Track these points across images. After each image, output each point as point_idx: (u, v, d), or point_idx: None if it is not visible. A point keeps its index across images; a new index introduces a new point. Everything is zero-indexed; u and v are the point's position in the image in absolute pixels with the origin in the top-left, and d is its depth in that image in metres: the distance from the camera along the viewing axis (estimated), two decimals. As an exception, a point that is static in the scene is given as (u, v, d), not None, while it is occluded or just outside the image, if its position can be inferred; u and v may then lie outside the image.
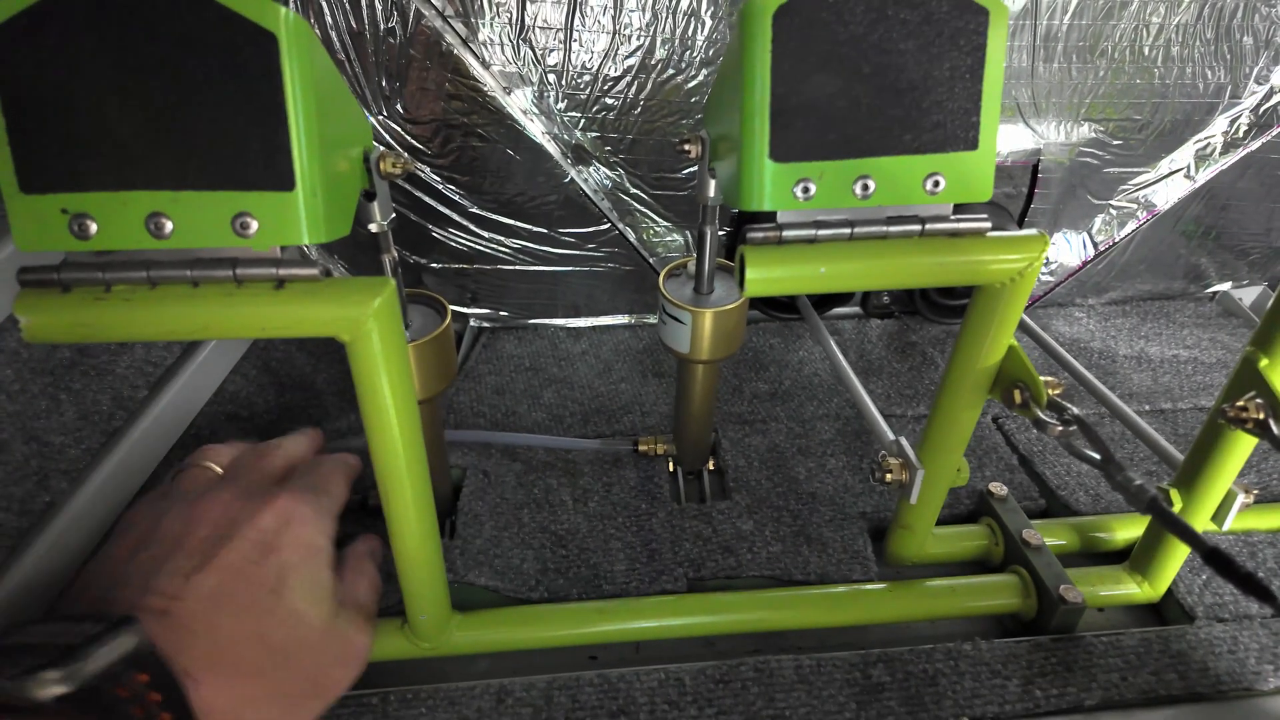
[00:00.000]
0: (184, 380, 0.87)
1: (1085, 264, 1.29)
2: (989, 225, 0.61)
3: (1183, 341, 1.28)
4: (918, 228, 0.60)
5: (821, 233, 0.60)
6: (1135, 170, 1.19)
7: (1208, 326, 1.33)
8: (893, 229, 0.60)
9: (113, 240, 0.51)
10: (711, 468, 1.00)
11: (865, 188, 0.58)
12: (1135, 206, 1.23)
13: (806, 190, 0.58)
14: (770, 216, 0.63)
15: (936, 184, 0.59)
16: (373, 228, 0.69)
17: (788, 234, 0.60)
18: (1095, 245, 1.27)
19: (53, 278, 0.52)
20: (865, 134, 0.58)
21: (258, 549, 0.59)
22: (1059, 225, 1.23)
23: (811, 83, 0.57)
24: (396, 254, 0.69)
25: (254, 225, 0.51)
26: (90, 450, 0.77)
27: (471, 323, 1.27)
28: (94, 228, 0.51)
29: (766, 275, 0.59)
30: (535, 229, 1.14)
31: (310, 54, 0.50)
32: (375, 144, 0.66)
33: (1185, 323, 1.34)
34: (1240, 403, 0.65)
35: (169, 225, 0.51)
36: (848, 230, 0.60)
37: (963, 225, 0.61)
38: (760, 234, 0.60)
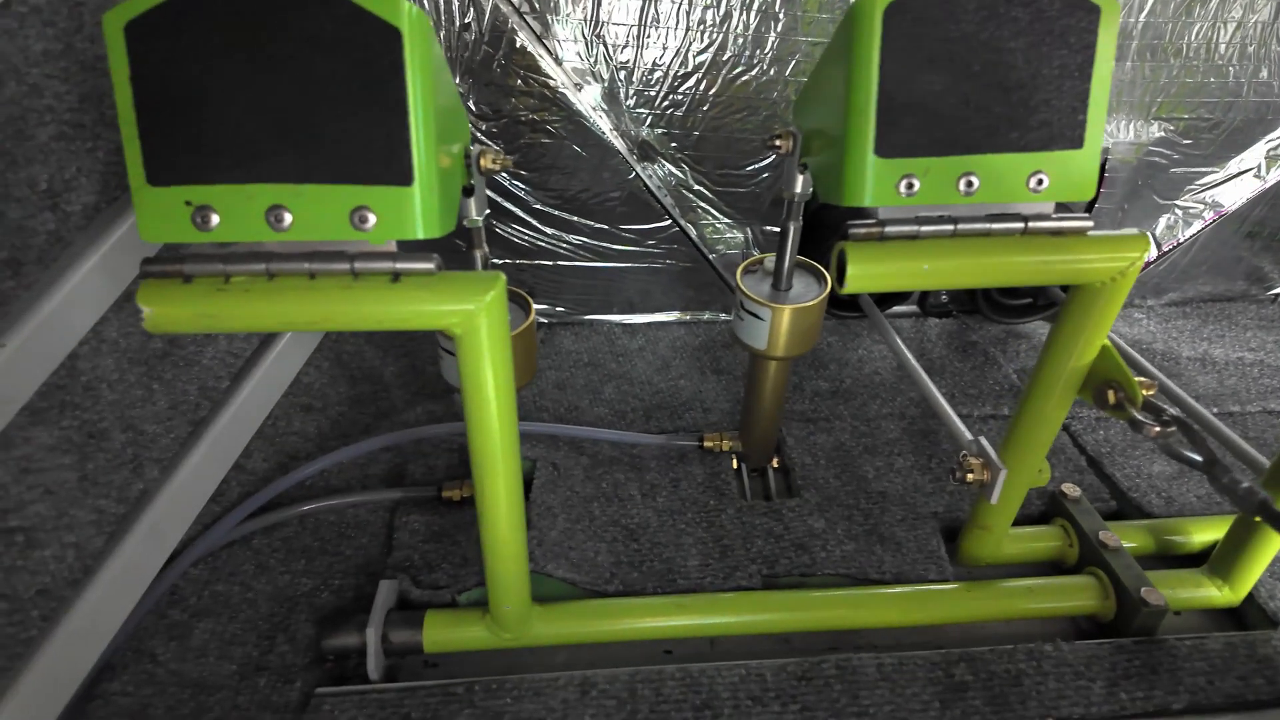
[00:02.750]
0: (262, 372, 0.89)
1: (1148, 265, 1.27)
2: (1091, 224, 0.61)
3: (1247, 344, 1.27)
4: (1020, 225, 0.60)
5: (925, 229, 0.60)
6: (1203, 170, 1.17)
7: (1272, 329, 1.31)
8: (995, 226, 0.60)
9: (233, 232, 0.52)
10: (776, 465, 1.00)
11: (969, 185, 0.58)
12: (1202, 207, 1.22)
13: (910, 186, 0.58)
14: (859, 213, 0.63)
15: (1040, 182, 0.59)
16: (467, 223, 0.69)
17: (890, 230, 0.60)
18: (1158, 245, 1.25)
19: (176, 269, 0.53)
20: (971, 131, 0.58)
21: None
22: (1123, 225, 1.22)
23: (919, 80, 0.57)
24: (487, 249, 0.70)
25: (372, 219, 0.52)
26: (179, 439, 0.78)
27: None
28: (216, 220, 0.52)
29: (869, 271, 0.59)
30: (597, 225, 1.14)
31: (430, 49, 0.51)
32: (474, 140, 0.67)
33: (1248, 325, 1.32)
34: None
35: (289, 218, 0.52)
36: (950, 227, 0.60)
37: (1066, 224, 0.60)
38: (863, 230, 0.60)
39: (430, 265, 0.54)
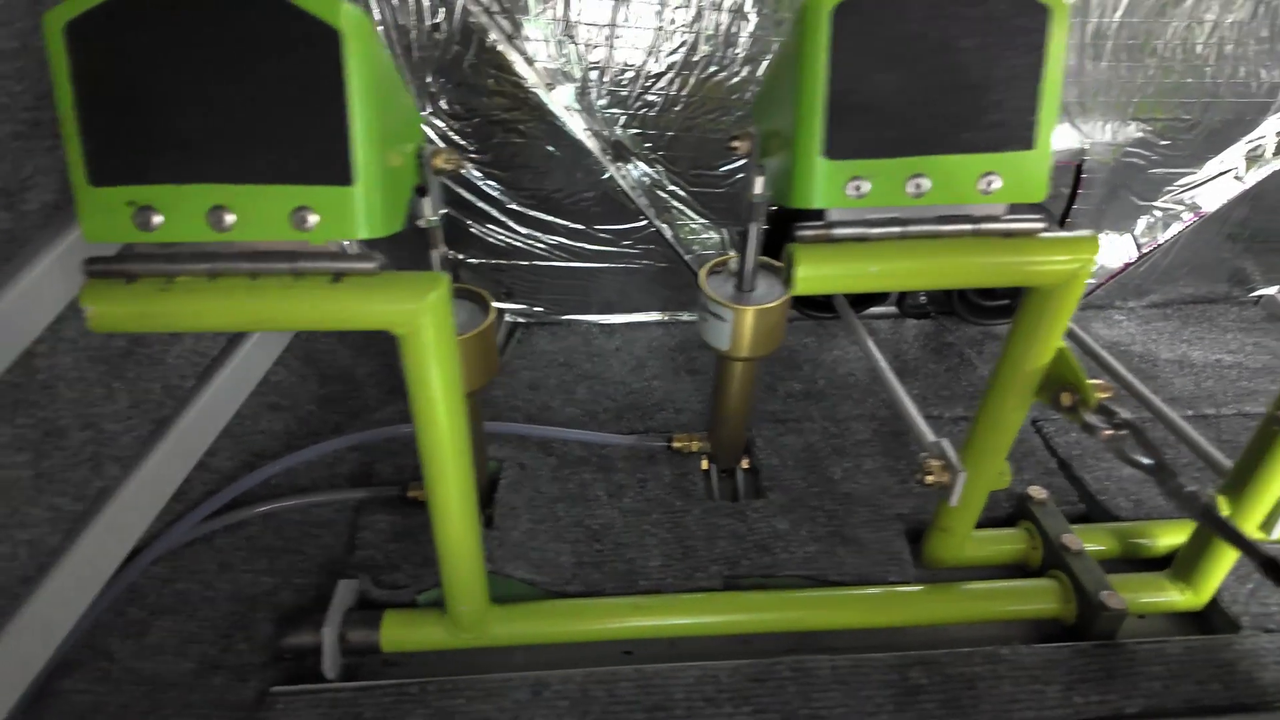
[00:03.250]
0: (229, 370, 0.89)
1: (1127, 266, 1.27)
2: (1043, 225, 0.61)
3: (1226, 346, 1.26)
4: (970, 227, 0.60)
5: (873, 231, 0.59)
6: (1182, 171, 1.17)
7: (1251, 331, 1.31)
8: (945, 228, 0.60)
9: (176, 232, 0.52)
10: (745, 466, 1.00)
11: (919, 186, 0.58)
12: (1181, 208, 1.21)
13: (859, 188, 0.58)
14: (818, 214, 0.63)
15: (991, 183, 0.58)
16: (423, 223, 0.69)
17: (838, 232, 0.59)
18: (1139, 247, 1.25)
19: (119, 268, 0.53)
20: (921, 132, 0.58)
21: None
22: (1102, 226, 1.22)
23: (868, 80, 0.57)
24: (445, 249, 0.70)
25: (313, 219, 0.52)
26: (140, 438, 0.78)
27: (506, 318, 1.28)
28: (158, 220, 0.52)
29: (817, 273, 0.59)
30: (573, 225, 1.14)
31: (371, 50, 0.51)
32: (426, 141, 0.66)
33: (1228, 327, 1.32)
34: (1295, 410, 0.64)
35: (230, 218, 0.52)
36: (899, 229, 0.59)
37: (1015, 225, 0.60)
38: (811, 232, 0.59)
39: (372, 265, 0.54)
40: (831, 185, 0.57)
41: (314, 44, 0.50)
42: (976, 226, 0.60)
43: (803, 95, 0.56)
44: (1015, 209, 0.62)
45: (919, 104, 0.57)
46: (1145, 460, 0.61)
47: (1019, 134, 0.58)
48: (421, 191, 0.66)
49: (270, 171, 0.52)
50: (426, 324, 0.55)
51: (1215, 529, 0.57)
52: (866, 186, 0.58)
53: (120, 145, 0.51)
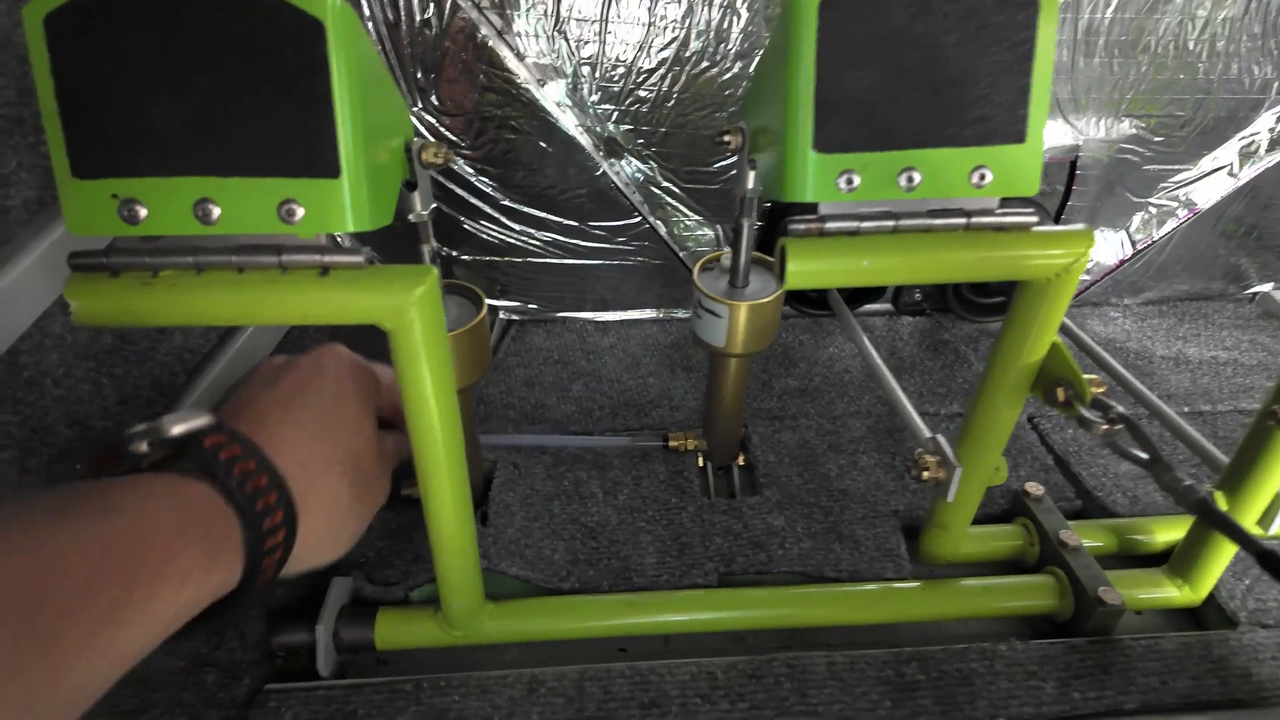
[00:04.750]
0: (221, 367, 0.88)
1: (1122, 263, 1.27)
2: (1035, 219, 0.60)
3: (1222, 343, 1.26)
4: (962, 221, 0.59)
5: (864, 225, 0.59)
6: (1176, 167, 1.17)
7: (1247, 328, 1.31)
8: (937, 222, 0.59)
9: (161, 225, 0.52)
10: (741, 463, 0.99)
11: (910, 180, 0.58)
12: (1175, 204, 1.21)
13: (850, 182, 0.57)
14: (811, 208, 0.62)
15: (983, 177, 0.58)
16: (412, 218, 0.69)
17: (830, 226, 0.59)
18: (1134, 244, 1.25)
19: (102, 262, 0.53)
20: (910, 126, 0.57)
21: (313, 369, 0.58)
22: (1096, 223, 1.22)
23: (856, 75, 0.57)
24: (435, 244, 0.70)
25: (300, 212, 0.51)
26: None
27: (501, 315, 1.27)
28: (143, 213, 0.51)
29: (808, 267, 0.59)
30: (566, 222, 1.14)
31: (356, 42, 0.51)
32: (416, 135, 0.66)
33: (1224, 324, 1.31)
34: (1291, 404, 0.64)
35: (216, 211, 0.52)
36: (891, 223, 0.59)
37: (1008, 219, 0.60)
38: (802, 225, 0.59)
39: (359, 259, 0.53)
40: (822, 179, 0.57)
41: (298, 35, 0.49)
42: (969, 220, 0.59)
43: (792, 90, 0.56)
44: (1007, 203, 0.62)
45: (908, 97, 0.57)
46: (1141, 454, 0.61)
47: (1009, 128, 0.58)
48: (410, 186, 0.66)
49: (256, 164, 0.51)
50: (415, 318, 0.54)
51: (1212, 523, 0.56)
52: (857, 180, 0.57)
53: (103, 137, 0.51)
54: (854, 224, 0.59)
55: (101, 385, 0.74)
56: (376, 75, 0.55)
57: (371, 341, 0.98)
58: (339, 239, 0.94)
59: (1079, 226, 0.61)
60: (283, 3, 0.49)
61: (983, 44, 0.55)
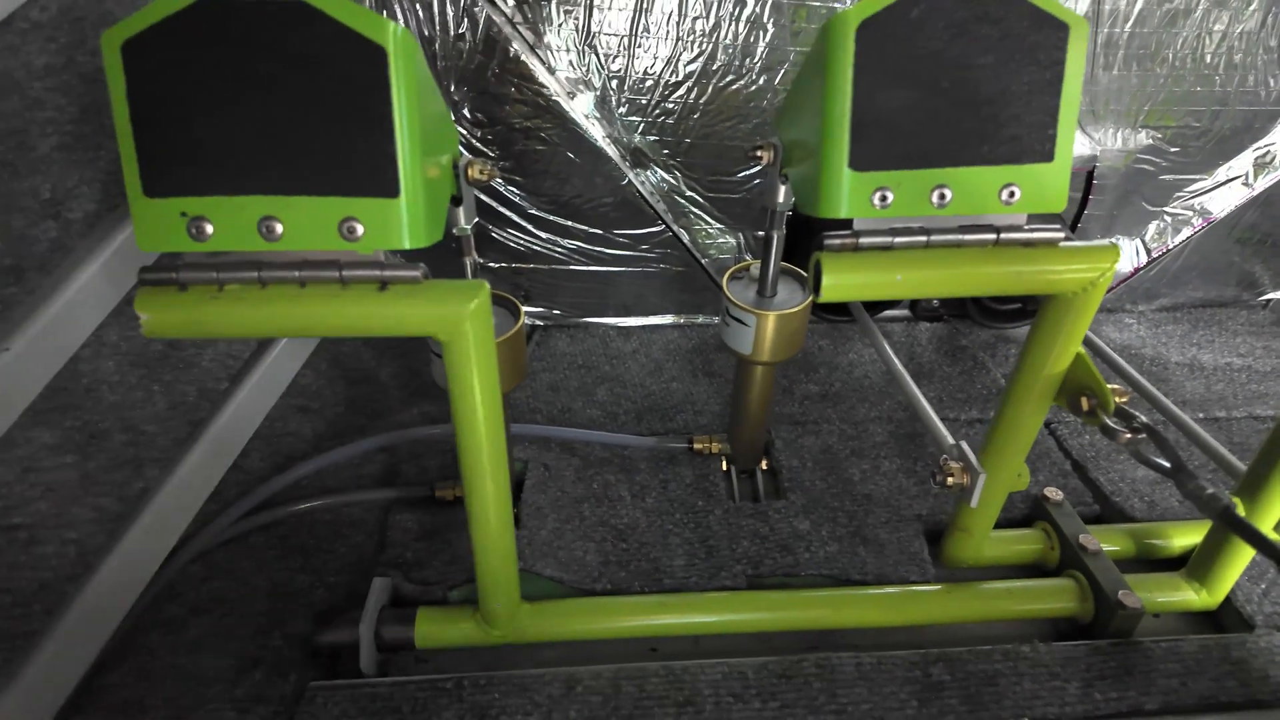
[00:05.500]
0: (260, 373, 0.91)
1: (1138, 270, 1.28)
2: (1063, 235, 0.62)
3: (1236, 349, 1.28)
4: (992, 236, 0.61)
5: (898, 240, 0.61)
6: (1192, 177, 1.18)
7: (1261, 334, 1.32)
8: (968, 237, 0.61)
9: (227, 241, 0.54)
10: (764, 467, 1.01)
11: (942, 197, 0.60)
12: (1191, 213, 1.23)
13: (884, 199, 0.59)
14: (838, 224, 0.64)
15: (1012, 194, 0.60)
16: (456, 231, 0.71)
17: (864, 241, 0.61)
18: (1149, 251, 1.26)
19: (171, 277, 0.55)
20: (943, 145, 0.60)
21: None
22: (1113, 232, 1.23)
23: (892, 95, 0.59)
24: (477, 256, 0.72)
25: (360, 229, 0.54)
26: (178, 440, 0.80)
27: (524, 320, 1.29)
28: (210, 230, 0.54)
29: (843, 281, 0.61)
30: (591, 230, 1.16)
31: (415, 66, 0.53)
32: (461, 151, 0.68)
33: (1238, 330, 1.33)
34: (1310, 413, 0.65)
35: (280, 228, 0.54)
36: (924, 238, 0.61)
37: (1037, 235, 0.62)
38: (838, 241, 0.61)
39: (416, 274, 0.56)
40: (857, 196, 0.59)
41: (361, 61, 0.52)
42: (999, 236, 0.61)
43: (829, 109, 0.58)
44: (1034, 218, 0.64)
45: (943, 117, 0.59)
46: (1164, 463, 0.63)
47: (1039, 147, 0.60)
48: (456, 201, 0.68)
49: (319, 184, 0.53)
50: (469, 330, 0.57)
51: (1235, 530, 0.58)
52: (891, 196, 0.59)
53: (174, 158, 0.53)
54: (888, 239, 0.61)
55: (152, 391, 0.77)
56: (432, 96, 0.58)
57: (400, 342, 1.00)
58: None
59: (1105, 242, 0.63)
60: (347, 29, 0.51)
61: (1016, 65, 0.57)
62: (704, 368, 1.20)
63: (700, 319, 1.30)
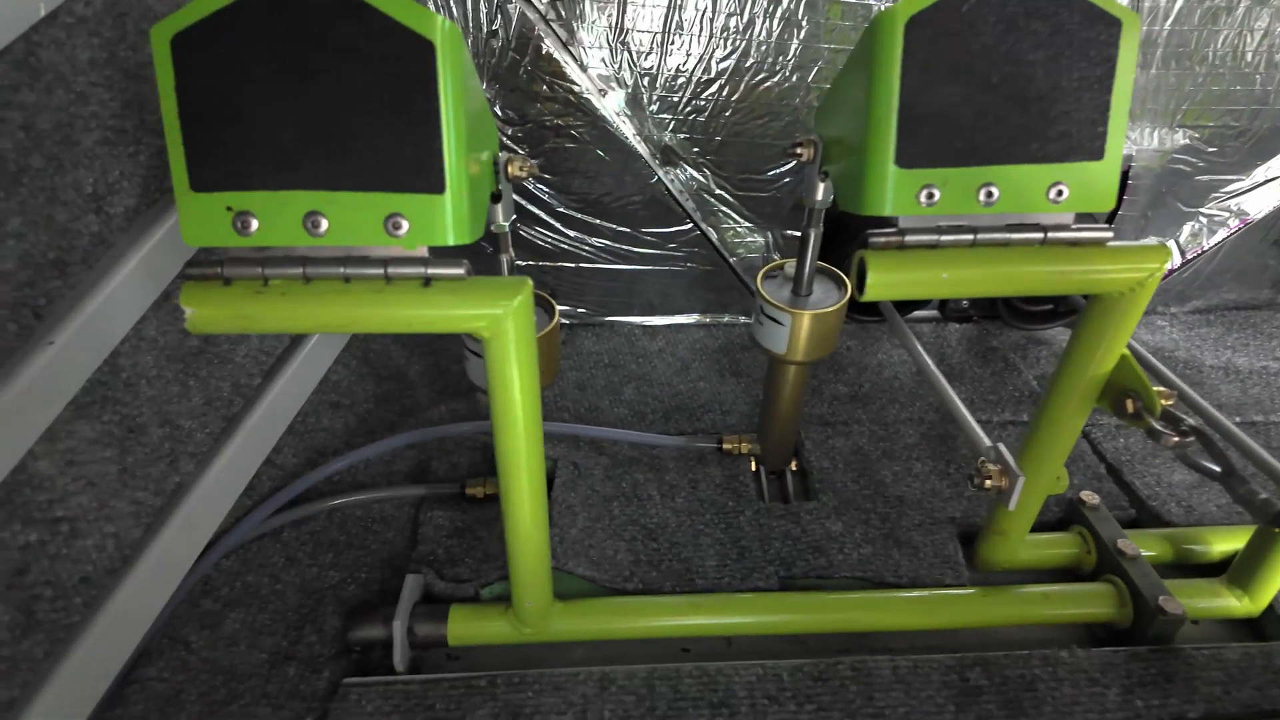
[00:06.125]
0: (293, 370, 0.91)
1: (1172, 272, 1.27)
2: (1111, 234, 0.61)
3: (1272, 353, 1.26)
4: (1040, 235, 0.61)
5: (944, 239, 0.60)
6: (1229, 178, 1.17)
7: (1297, 338, 1.30)
8: (1015, 236, 0.61)
9: (272, 236, 0.54)
10: (794, 468, 1.01)
11: (989, 195, 0.59)
12: (1227, 214, 1.21)
13: (931, 196, 0.59)
14: (876, 222, 0.64)
15: (1060, 193, 0.59)
16: (494, 228, 0.71)
17: (910, 239, 0.61)
18: (1183, 253, 1.24)
19: (217, 272, 0.55)
20: (991, 142, 0.59)
21: None
22: (1147, 233, 1.22)
23: (940, 91, 0.58)
24: (514, 253, 0.72)
25: (405, 226, 0.54)
26: (213, 434, 0.81)
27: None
28: (255, 225, 0.54)
29: (888, 279, 0.60)
30: (619, 228, 1.16)
31: (461, 62, 0.53)
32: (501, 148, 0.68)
33: (1273, 333, 1.31)
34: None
35: (325, 224, 0.54)
36: (970, 236, 0.60)
37: (1084, 235, 0.61)
38: (883, 239, 0.61)
39: (460, 271, 0.55)
40: (903, 193, 0.58)
41: (408, 56, 0.52)
42: (1046, 235, 0.61)
43: (875, 105, 0.57)
44: (1080, 217, 0.63)
45: (990, 114, 0.58)
46: (1213, 467, 0.62)
47: (1089, 144, 0.59)
48: (495, 197, 0.68)
49: (364, 179, 0.53)
50: (510, 327, 0.56)
51: (1286, 535, 0.57)
52: (937, 194, 0.59)
53: (221, 153, 0.53)
54: (934, 237, 0.60)
55: (189, 386, 0.77)
56: (475, 91, 0.57)
57: (429, 339, 1.00)
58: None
59: (1153, 241, 0.62)
60: (396, 23, 0.51)
61: (1067, 61, 0.57)
62: (731, 367, 1.19)
63: (726, 318, 1.30)
